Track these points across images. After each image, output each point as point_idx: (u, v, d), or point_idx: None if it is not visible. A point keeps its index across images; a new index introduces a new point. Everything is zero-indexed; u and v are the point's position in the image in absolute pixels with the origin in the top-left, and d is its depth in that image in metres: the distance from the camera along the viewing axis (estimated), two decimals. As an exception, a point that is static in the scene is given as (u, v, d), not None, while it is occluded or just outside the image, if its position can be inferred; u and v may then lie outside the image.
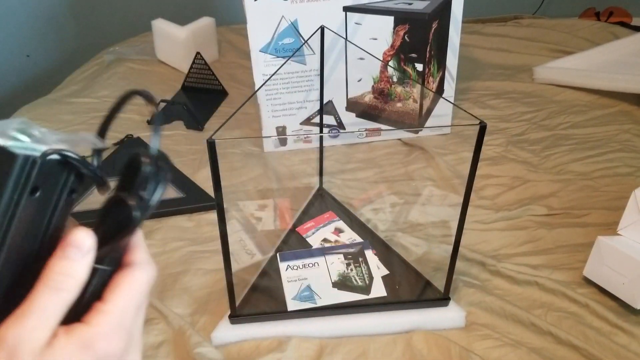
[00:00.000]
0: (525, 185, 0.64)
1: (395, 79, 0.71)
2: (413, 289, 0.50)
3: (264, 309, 0.48)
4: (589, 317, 0.48)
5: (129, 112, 0.81)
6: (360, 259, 0.53)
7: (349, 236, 0.56)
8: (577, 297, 0.49)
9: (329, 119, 0.72)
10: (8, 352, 0.17)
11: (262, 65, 0.67)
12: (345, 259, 0.53)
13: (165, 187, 0.20)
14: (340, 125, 0.73)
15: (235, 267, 0.52)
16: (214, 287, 0.51)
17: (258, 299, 0.49)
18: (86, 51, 1.04)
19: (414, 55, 0.69)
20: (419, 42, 0.68)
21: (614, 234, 0.49)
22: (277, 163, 0.70)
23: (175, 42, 0.90)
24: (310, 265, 0.52)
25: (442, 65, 0.71)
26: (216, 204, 0.39)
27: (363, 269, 0.52)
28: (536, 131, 0.75)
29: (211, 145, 0.36)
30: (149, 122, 0.78)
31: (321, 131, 0.68)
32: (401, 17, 0.66)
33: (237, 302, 0.47)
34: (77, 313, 0.19)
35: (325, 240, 0.56)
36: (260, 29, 0.64)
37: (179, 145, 0.74)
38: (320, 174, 0.65)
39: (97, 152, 0.20)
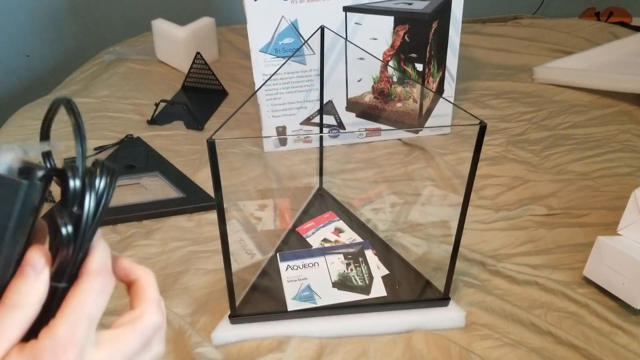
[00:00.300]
0: (525, 185, 0.64)
1: (395, 79, 0.71)
2: (413, 289, 0.50)
3: (264, 309, 0.48)
4: (589, 317, 0.48)
5: (128, 112, 0.81)
6: (360, 259, 0.53)
7: (349, 236, 0.57)
8: (577, 297, 0.49)
9: (329, 119, 0.72)
10: None
11: (262, 65, 0.67)
12: (345, 259, 0.53)
13: (107, 195, 0.19)
14: (340, 125, 0.73)
15: (235, 267, 0.52)
16: (214, 287, 0.51)
17: (258, 299, 0.49)
18: (86, 51, 1.04)
19: (414, 55, 0.69)
20: (419, 42, 0.68)
21: (614, 234, 0.49)
22: (277, 163, 0.70)
23: (176, 42, 0.90)
24: (310, 265, 0.52)
25: (442, 65, 0.71)
26: (216, 204, 0.39)
27: (363, 269, 0.52)
28: (536, 131, 0.75)
29: (211, 145, 0.36)
30: (149, 122, 0.78)
31: (321, 131, 0.68)
32: (401, 17, 0.66)
33: (237, 302, 0.47)
34: (38, 331, 0.19)
35: (325, 240, 0.56)
36: (260, 29, 0.64)
37: (179, 145, 0.74)
38: (320, 174, 0.65)
39: (48, 154, 0.20)
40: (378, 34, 0.67)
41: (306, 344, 0.45)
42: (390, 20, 0.66)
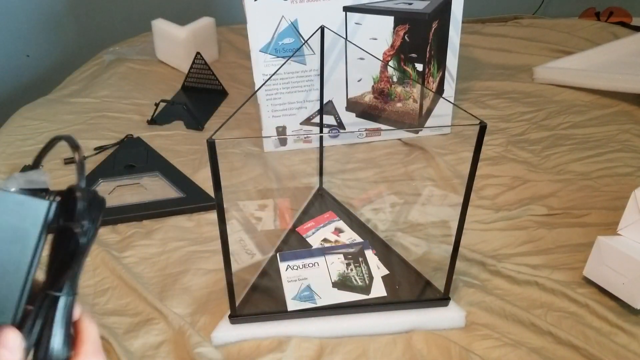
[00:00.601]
0: (525, 185, 0.64)
1: (395, 79, 0.71)
2: (413, 289, 0.50)
3: (264, 309, 0.48)
4: (588, 317, 0.48)
5: (128, 113, 0.81)
6: (360, 259, 0.53)
7: (349, 236, 0.57)
8: (577, 297, 0.49)
9: (329, 119, 0.72)
10: None
11: (262, 65, 0.67)
12: (345, 259, 0.53)
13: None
14: (340, 125, 0.73)
15: (235, 267, 0.52)
16: (214, 287, 0.51)
17: (258, 299, 0.49)
18: (86, 51, 1.04)
19: (414, 55, 0.69)
20: (419, 42, 0.68)
21: (614, 234, 0.49)
22: (277, 163, 0.70)
23: (176, 42, 0.90)
24: (310, 265, 0.52)
25: (442, 65, 0.71)
26: (216, 204, 0.39)
27: (363, 269, 0.52)
28: (536, 131, 0.75)
29: (211, 145, 0.36)
30: (149, 122, 0.78)
31: (321, 131, 0.68)
32: (401, 17, 0.66)
33: (237, 302, 0.47)
34: None
35: (325, 240, 0.56)
36: (260, 29, 0.64)
37: (179, 145, 0.74)
38: (320, 174, 0.65)
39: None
40: (378, 34, 0.67)
41: (306, 344, 0.45)
42: (390, 20, 0.66)
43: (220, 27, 1.00)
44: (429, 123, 0.75)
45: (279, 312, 0.47)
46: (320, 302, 0.48)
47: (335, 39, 0.65)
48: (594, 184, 0.64)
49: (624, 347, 0.45)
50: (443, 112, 0.75)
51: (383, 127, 0.74)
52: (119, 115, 0.80)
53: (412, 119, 0.74)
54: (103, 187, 0.64)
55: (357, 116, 0.73)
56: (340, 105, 0.72)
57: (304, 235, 0.57)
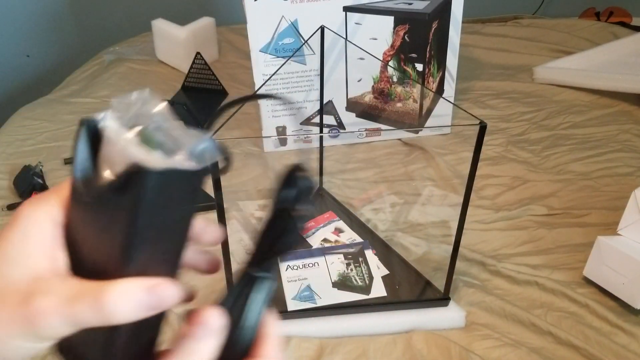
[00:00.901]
0: (525, 185, 0.64)
1: (395, 79, 0.71)
2: (413, 289, 0.50)
3: (264, 309, 0.48)
4: (589, 317, 0.48)
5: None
6: (360, 259, 0.53)
7: (349, 236, 0.56)
8: (577, 297, 0.49)
9: (329, 119, 0.72)
10: None
11: (262, 65, 0.67)
12: (345, 259, 0.53)
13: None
14: (340, 125, 0.73)
15: (235, 267, 0.52)
16: (214, 287, 0.51)
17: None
18: (86, 51, 1.03)
19: (414, 55, 0.69)
20: (419, 42, 0.68)
21: (614, 234, 0.49)
22: (277, 163, 0.70)
23: (175, 42, 0.90)
24: (310, 265, 0.52)
25: (442, 65, 0.71)
26: (216, 204, 0.39)
27: (363, 269, 0.52)
28: (536, 131, 0.75)
29: (211, 145, 0.36)
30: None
31: (321, 131, 0.68)
32: (401, 17, 0.66)
33: (237, 302, 0.47)
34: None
35: (325, 240, 0.56)
36: (260, 29, 0.64)
37: (179, 145, 0.73)
38: (320, 174, 0.65)
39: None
40: (378, 34, 0.67)
41: (306, 344, 0.45)
42: (390, 20, 0.66)
43: (220, 27, 1.00)
44: (429, 123, 0.75)
45: (279, 312, 0.47)
46: (320, 302, 0.48)
47: (335, 38, 0.65)
48: (594, 184, 0.64)
49: (624, 347, 0.45)
50: (443, 112, 0.75)
51: (383, 127, 0.74)
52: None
53: (412, 119, 0.74)
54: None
55: (357, 116, 0.73)
56: (340, 105, 0.72)
57: (304, 235, 0.57)
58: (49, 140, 0.74)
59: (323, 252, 0.54)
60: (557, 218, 0.59)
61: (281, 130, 0.72)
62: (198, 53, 0.85)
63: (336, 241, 0.56)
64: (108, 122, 0.17)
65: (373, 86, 0.71)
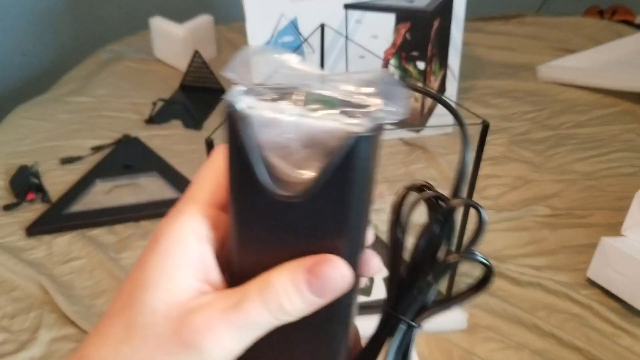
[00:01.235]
0: (528, 185, 0.64)
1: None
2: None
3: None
4: (592, 318, 0.47)
5: (126, 112, 0.81)
6: (360, 260, 0.52)
7: (349, 237, 0.56)
8: (580, 299, 0.48)
9: (329, 118, 0.71)
10: None
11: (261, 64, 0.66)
12: (345, 260, 0.52)
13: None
14: (341, 124, 0.72)
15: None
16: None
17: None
18: (83, 49, 1.03)
19: (415, 53, 0.68)
20: (421, 40, 0.67)
21: (618, 234, 0.48)
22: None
23: (174, 41, 0.89)
24: (310, 266, 0.51)
25: (444, 64, 0.71)
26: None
27: (363, 270, 0.51)
28: (539, 130, 0.74)
29: (209, 145, 0.35)
30: (147, 121, 0.78)
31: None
32: (402, 15, 0.65)
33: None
34: None
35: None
36: (259, 27, 0.63)
37: (177, 144, 0.73)
38: (320, 173, 0.64)
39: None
40: (379, 31, 0.66)
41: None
42: (391, 18, 0.65)
43: (218, 25, 0.99)
44: (430, 122, 0.74)
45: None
46: (320, 304, 0.47)
47: (335, 37, 0.64)
48: (598, 184, 0.64)
49: (628, 349, 0.44)
50: (445, 111, 0.74)
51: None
52: (116, 115, 0.79)
53: (414, 118, 0.73)
54: (100, 188, 0.64)
55: (357, 115, 0.72)
56: (341, 104, 0.71)
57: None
58: (45, 139, 0.73)
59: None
60: (561, 219, 0.58)
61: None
62: (196, 51, 0.84)
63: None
64: (249, 101, 0.13)
65: (374, 85, 0.70)
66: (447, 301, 0.18)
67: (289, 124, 0.13)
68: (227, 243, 0.16)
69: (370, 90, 0.13)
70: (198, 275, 0.15)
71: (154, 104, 0.79)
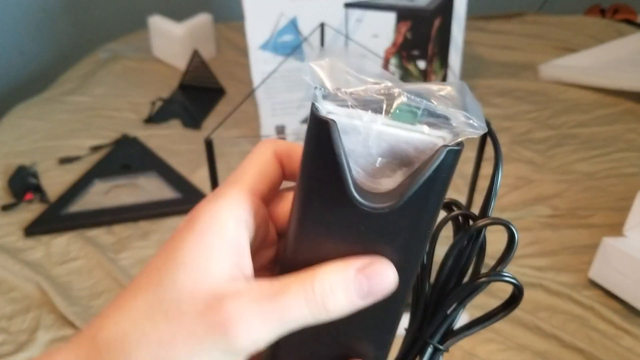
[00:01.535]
0: (529, 186, 0.63)
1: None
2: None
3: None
4: (594, 319, 0.47)
5: (124, 111, 0.80)
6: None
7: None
8: (582, 300, 0.48)
9: (329, 118, 0.71)
10: None
11: (260, 63, 0.65)
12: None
13: None
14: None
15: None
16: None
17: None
18: (81, 49, 1.02)
19: (416, 52, 0.68)
20: (421, 39, 0.67)
21: (620, 235, 0.48)
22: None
23: (172, 39, 0.89)
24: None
25: (444, 63, 0.70)
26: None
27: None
28: (541, 130, 0.74)
29: (209, 144, 0.35)
30: (145, 121, 0.77)
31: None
32: (403, 14, 0.65)
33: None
34: None
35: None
36: (258, 26, 0.63)
37: (176, 144, 0.72)
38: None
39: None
40: (379, 31, 0.66)
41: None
42: (392, 16, 0.65)
43: (218, 23, 0.98)
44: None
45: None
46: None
47: (335, 36, 0.64)
48: (600, 184, 0.63)
49: (630, 350, 0.44)
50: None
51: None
52: (114, 114, 0.79)
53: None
54: (98, 188, 0.63)
55: (357, 115, 0.72)
56: (341, 104, 0.71)
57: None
58: (43, 139, 0.73)
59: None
60: (562, 219, 0.58)
61: (280, 130, 0.71)
62: (195, 50, 0.83)
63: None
64: (329, 107, 0.13)
65: (374, 84, 0.70)
66: (475, 324, 0.18)
67: (372, 132, 0.13)
68: (261, 233, 0.16)
69: (452, 102, 0.13)
70: (232, 259, 0.14)
71: (153, 103, 0.78)
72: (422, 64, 0.69)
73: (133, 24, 1.05)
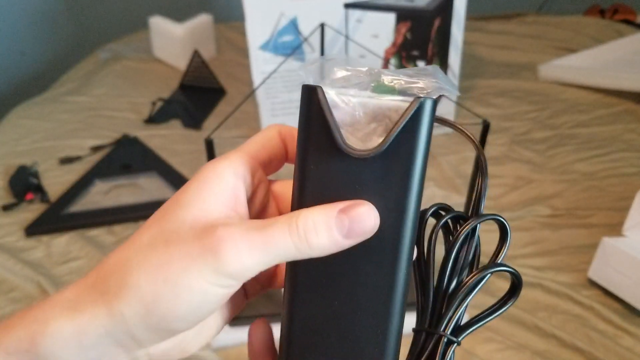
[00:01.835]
0: (529, 186, 0.63)
1: (396, 77, 0.70)
2: (414, 290, 0.49)
3: (264, 312, 0.47)
4: (593, 319, 0.47)
5: (125, 111, 0.80)
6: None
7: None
8: (581, 300, 0.48)
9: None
10: None
11: (261, 63, 0.66)
12: (345, 260, 0.52)
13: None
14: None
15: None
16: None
17: (258, 301, 0.48)
18: (82, 49, 1.02)
19: (416, 52, 0.68)
20: (421, 39, 0.67)
21: (619, 235, 0.48)
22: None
23: (173, 40, 0.89)
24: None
25: (444, 63, 0.70)
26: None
27: (364, 270, 0.51)
28: (540, 130, 0.74)
29: (209, 144, 0.35)
30: (146, 121, 0.77)
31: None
32: (403, 14, 0.65)
33: (235, 305, 0.46)
34: None
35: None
36: (259, 26, 0.63)
37: (177, 144, 0.73)
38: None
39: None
40: (379, 31, 0.66)
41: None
42: (391, 17, 0.65)
43: (218, 24, 0.99)
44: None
45: (280, 314, 0.46)
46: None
47: (335, 36, 0.64)
48: (599, 184, 0.63)
49: (629, 349, 0.44)
50: (445, 110, 0.74)
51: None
52: (115, 114, 0.79)
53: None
54: (99, 188, 0.63)
55: (357, 115, 0.72)
56: (341, 104, 0.71)
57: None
58: (44, 139, 0.73)
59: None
60: (562, 219, 0.58)
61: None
62: (196, 51, 0.84)
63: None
64: (327, 88, 0.16)
65: (374, 84, 0.70)
66: (484, 315, 0.19)
67: (358, 103, 0.15)
68: (259, 195, 0.18)
69: (425, 75, 0.16)
70: (229, 204, 0.16)
71: (154, 103, 0.79)
72: (422, 64, 0.70)
73: (133, 25, 1.05)
